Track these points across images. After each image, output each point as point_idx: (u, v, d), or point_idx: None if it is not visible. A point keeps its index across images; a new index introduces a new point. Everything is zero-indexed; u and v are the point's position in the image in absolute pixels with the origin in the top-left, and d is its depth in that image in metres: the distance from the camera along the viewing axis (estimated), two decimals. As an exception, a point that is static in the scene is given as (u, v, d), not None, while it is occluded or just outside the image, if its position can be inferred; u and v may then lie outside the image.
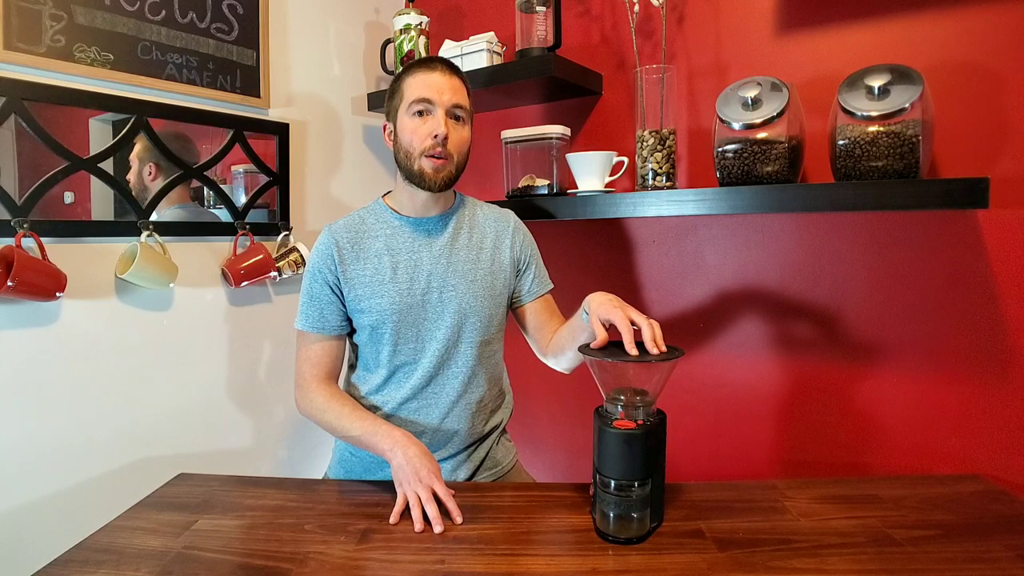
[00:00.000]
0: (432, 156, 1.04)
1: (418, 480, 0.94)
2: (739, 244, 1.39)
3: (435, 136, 1.03)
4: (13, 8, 1.08)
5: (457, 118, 1.07)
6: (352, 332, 1.15)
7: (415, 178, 1.06)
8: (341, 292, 1.09)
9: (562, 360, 1.14)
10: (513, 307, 1.20)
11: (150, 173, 1.31)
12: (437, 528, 0.89)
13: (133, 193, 1.27)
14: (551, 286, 1.22)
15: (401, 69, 1.11)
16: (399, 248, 1.10)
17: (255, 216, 1.50)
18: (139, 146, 1.29)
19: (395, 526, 0.91)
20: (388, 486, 1.06)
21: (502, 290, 1.16)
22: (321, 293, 1.09)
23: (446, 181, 1.07)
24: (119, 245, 1.25)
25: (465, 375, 1.11)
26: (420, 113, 1.05)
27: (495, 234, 1.17)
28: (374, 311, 1.07)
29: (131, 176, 1.29)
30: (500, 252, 1.16)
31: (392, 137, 1.11)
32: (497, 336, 1.17)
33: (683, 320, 1.48)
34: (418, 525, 0.90)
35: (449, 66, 1.08)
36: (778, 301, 1.35)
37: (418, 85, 1.05)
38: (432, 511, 0.90)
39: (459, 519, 0.91)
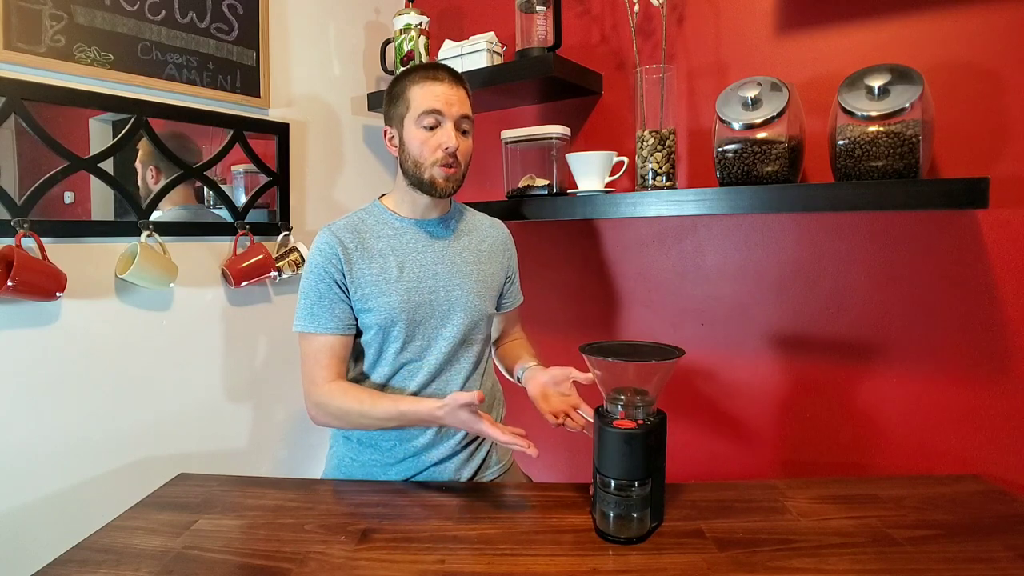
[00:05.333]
0: (443, 166, 1.06)
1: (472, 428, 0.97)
2: (739, 244, 1.39)
3: (446, 149, 1.05)
4: (13, 8, 1.08)
5: (464, 130, 1.09)
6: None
7: (425, 186, 1.08)
8: (347, 291, 1.09)
9: (501, 370, 1.27)
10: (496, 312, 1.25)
11: (152, 176, 1.32)
12: (533, 452, 0.92)
13: (141, 197, 1.28)
14: (522, 299, 1.32)
15: (401, 73, 1.11)
16: (404, 248, 1.11)
17: (255, 216, 1.50)
18: (142, 151, 1.29)
19: (394, 526, 0.91)
20: (388, 487, 1.07)
21: (496, 291, 1.20)
22: (330, 292, 1.07)
23: (455, 188, 1.10)
24: (119, 245, 1.25)
25: (467, 372, 1.13)
26: (430, 125, 1.06)
27: (492, 239, 1.21)
28: (383, 309, 1.07)
29: (139, 181, 1.30)
30: (495, 256, 1.20)
31: (395, 143, 1.11)
32: (489, 335, 1.22)
33: (683, 320, 1.48)
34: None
35: (454, 75, 1.09)
36: (778, 301, 1.35)
37: (427, 96, 1.06)
38: (506, 438, 0.93)
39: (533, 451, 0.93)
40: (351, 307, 1.09)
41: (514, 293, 1.27)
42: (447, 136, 1.05)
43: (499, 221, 1.27)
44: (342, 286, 1.08)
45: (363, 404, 1.02)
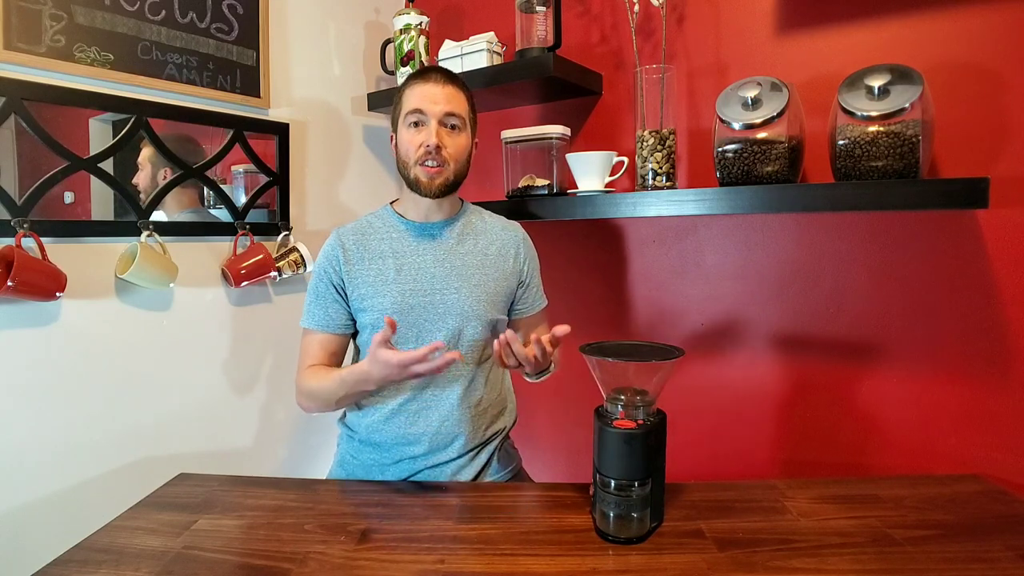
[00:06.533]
0: (425, 165, 1.07)
1: (398, 377, 0.95)
2: (739, 244, 1.39)
3: (426, 146, 1.06)
4: (13, 8, 1.08)
5: (452, 126, 1.09)
6: (355, 334, 1.16)
7: (413, 186, 1.10)
8: (345, 292, 1.12)
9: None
10: (511, 317, 1.22)
11: (164, 177, 1.32)
12: (454, 355, 0.91)
13: (143, 196, 1.28)
14: (546, 303, 1.27)
15: (405, 79, 1.14)
16: (403, 251, 1.12)
17: (255, 216, 1.50)
18: (148, 150, 1.29)
19: (394, 526, 0.91)
20: (388, 486, 1.07)
21: (506, 297, 1.18)
22: (327, 293, 1.12)
23: (442, 188, 1.09)
24: (119, 245, 1.25)
25: (465, 378, 1.12)
26: (415, 124, 1.09)
27: (501, 242, 1.19)
28: (375, 309, 1.09)
29: (141, 180, 1.29)
30: (505, 260, 1.18)
31: (395, 146, 1.14)
32: (493, 340, 1.18)
33: (683, 320, 1.48)
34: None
35: (445, 75, 1.10)
36: (778, 301, 1.35)
37: (413, 96, 1.09)
38: (429, 366, 0.92)
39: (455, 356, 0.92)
40: (347, 308, 1.12)
41: (531, 298, 1.23)
42: (428, 134, 1.07)
43: (515, 224, 1.24)
44: (339, 287, 1.11)
45: (321, 381, 1.07)
